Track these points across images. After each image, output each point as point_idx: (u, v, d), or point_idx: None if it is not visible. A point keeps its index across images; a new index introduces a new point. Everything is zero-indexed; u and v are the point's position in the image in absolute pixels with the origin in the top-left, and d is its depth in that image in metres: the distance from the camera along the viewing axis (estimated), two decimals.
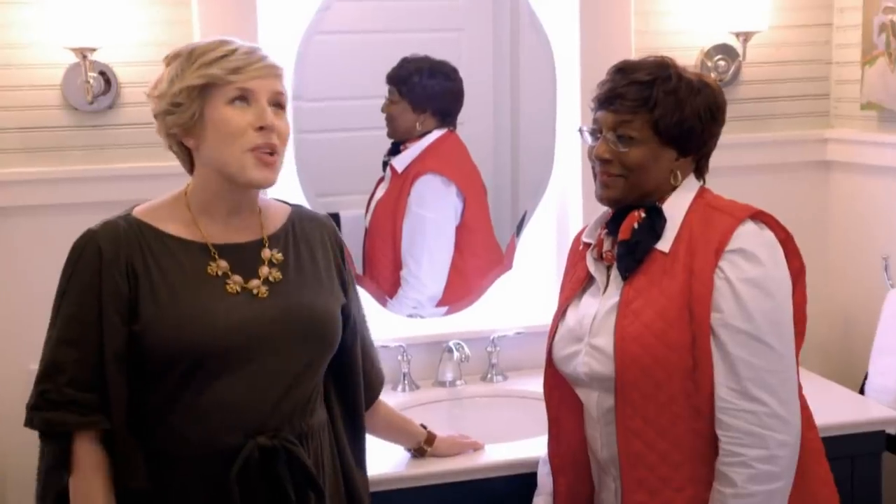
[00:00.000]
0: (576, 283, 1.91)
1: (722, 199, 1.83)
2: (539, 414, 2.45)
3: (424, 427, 2.11)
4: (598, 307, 1.82)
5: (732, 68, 2.69)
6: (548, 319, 2.73)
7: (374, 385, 1.95)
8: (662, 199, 1.81)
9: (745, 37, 2.64)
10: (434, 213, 2.57)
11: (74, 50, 2.29)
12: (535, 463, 2.12)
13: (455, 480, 2.09)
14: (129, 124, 2.40)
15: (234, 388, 1.65)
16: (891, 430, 2.31)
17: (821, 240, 2.82)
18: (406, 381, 2.57)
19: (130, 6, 2.36)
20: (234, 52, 1.65)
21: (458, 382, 2.59)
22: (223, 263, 1.69)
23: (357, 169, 2.63)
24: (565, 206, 2.78)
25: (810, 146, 2.79)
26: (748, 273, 1.69)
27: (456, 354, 2.55)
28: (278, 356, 1.68)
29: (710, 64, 2.68)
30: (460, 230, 2.61)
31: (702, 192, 1.83)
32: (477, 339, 2.62)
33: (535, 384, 2.56)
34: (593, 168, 1.84)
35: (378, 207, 2.59)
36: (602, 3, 2.63)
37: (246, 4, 2.41)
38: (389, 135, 2.56)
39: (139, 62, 2.36)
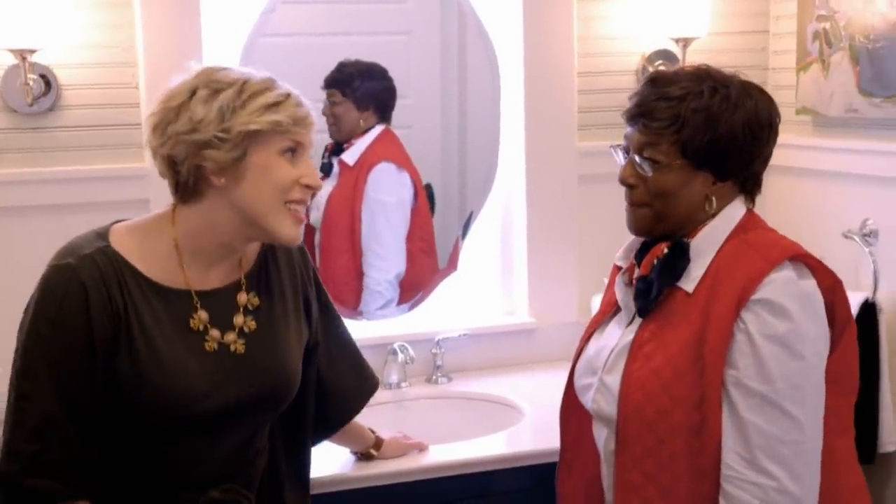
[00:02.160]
0: (606, 308, 1.75)
1: (766, 233, 1.61)
2: (483, 415, 2.47)
3: (373, 432, 2.10)
4: (618, 341, 1.65)
5: None
6: (492, 321, 2.78)
7: (340, 414, 1.91)
8: (696, 230, 1.60)
9: (685, 42, 2.67)
10: (392, 196, 2.65)
11: (14, 51, 2.24)
12: (478, 463, 2.13)
13: (400, 481, 2.09)
14: (69, 127, 2.36)
15: (197, 447, 1.59)
16: None
17: None
18: None
19: (72, 8, 2.31)
20: (289, 97, 1.55)
21: (403, 384, 2.59)
22: (203, 315, 1.59)
23: None
24: (509, 209, 2.79)
25: None
26: (773, 329, 1.48)
27: (400, 356, 2.55)
28: (242, 418, 1.63)
29: (650, 69, 2.71)
30: (413, 212, 2.68)
31: (745, 222, 1.61)
32: (421, 340, 2.62)
33: (479, 386, 2.59)
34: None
35: (332, 202, 2.63)
36: (545, 8, 2.64)
37: (190, 7, 2.38)
38: (333, 135, 2.61)
39: (80, 64, 2.32)
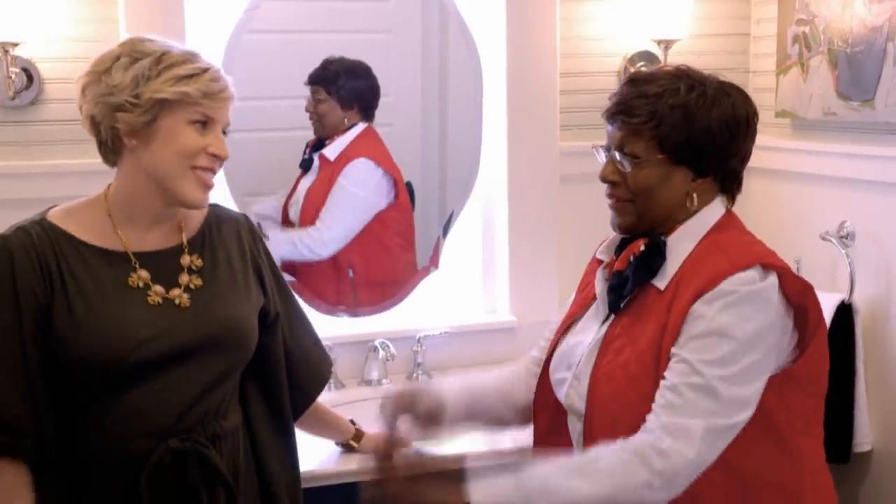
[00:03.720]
0: (583, 301, 1.74)
1: (741, 237, 1.62)
2: None
3: (353, 423, 2.11)
4: (593, 336, 1.66)
5: None
6: (473, 319, 2.78)
7: (311, 386, 1.91)
8: (674, 228, 1.61)
9: (667, 44, 2.68)
10: (359, 190, 2.64)
11: None
12: (458, 459, 2.13)
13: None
14: (52, 121, 2.35)
15: (148, 395, 1.62)
16: None
17: None
18: (332, 380, 2.55)
19: (55, 2, 2.30)
20: (205, 71, 1.62)
21: (384, 381, 2.59)
22: (144, 274, 1.65)
23: (285, 168, 2.63)
24: (491, 208, 2.79)
25: None
26: (716, 313, 1.50)
27: (381, 353, 2.55)
28: (194, 364, 1.65)
29: (632, 69, 2.72)
30: (393, 208, 2.68)
31: (722, 223, 1.62)
32: (403, 338, 2.62)
33: None
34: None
35: (310, 196, 2.64)
36: (528, 8, 2.65)
37: (173, 3, 2.37)
38: (317, 132, 2.62)
39: (63, 58, 2.30)
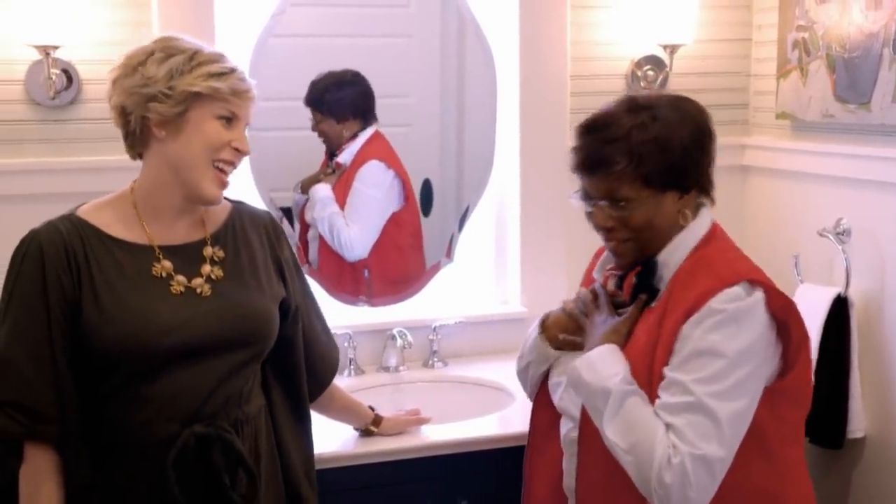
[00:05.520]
0: None
1: (727, 253, 1.62)
2: (476, 398, 2.50)
3: (372, 409, 2.13)
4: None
5: (660, 78, 2.75)
6: (486, 310, 2.80)
7: (323, 373, 1.94)
8: (665, 245, 1.61)
9: (672, 49, 2.70)
10: (374, 190, 2.65)
11: (38, 47, 2.27)
12: (473, 442, 2.16)
13: (398, 458, 2.12)
14: (90, 119, 2.38)
15: (174, 381, 1.63)
16: None
17: (738, 238, 2.79)
18: (352, 367, 2.58)
19: (93, 7, 2.34)
20: (233, 71, 1.67)
21: (402, 368, 2.61)
22: (167, 264, 1.67)
23: (310, 165, 2.65)
24: (504, 204, 2.82)
25: (730, 152, 2.85)
26: (706, 332, 1.50)
27: (399, 341, 2.57)
28: (217, 351, 1.67)
29: (639, 73, 2.74)
30: (404, 211, 2.68)
31: (709, 237, 1.62)
32: (419, 327, 2.64)
33: (473, 370, 2.61)
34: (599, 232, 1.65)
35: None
36: (540, 14, 2.67)
37: (204, 8, 2.41)
38: (328, 148, 2.63)
39: (100, 61, 2.33)
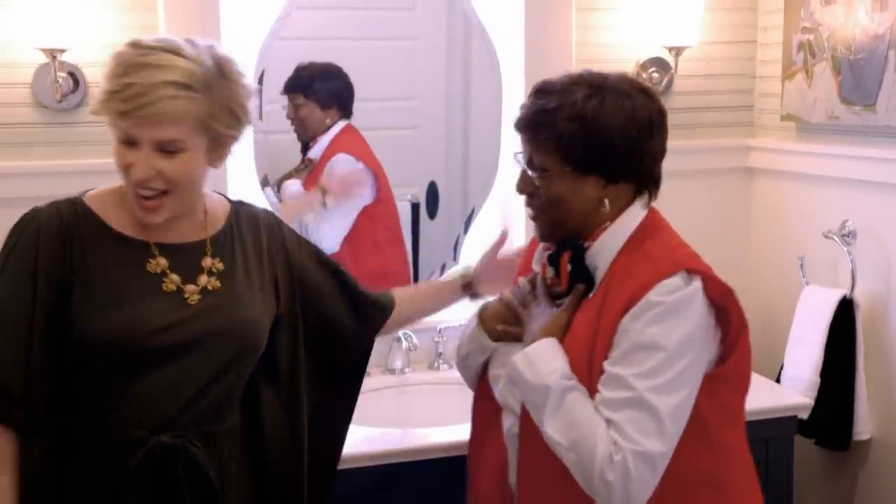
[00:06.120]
0: None
1: (665, 241, 1.59)
2: None
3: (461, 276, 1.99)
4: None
5: (665, 80, 2.73)
6: None
7: (381, 307, 1.88)
8: (595, 234, 1.58)
9: (677, 51, 2.68)
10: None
11: (45, 50, 2.26)
12: None
13: (402, 461, 2.10)
14: (96, 122, 2.33)
15: (149, 385, 1.56)
16: (803, 416, 2.36)
17: (744, 239, 2.87)
18: None
19: (99, 10, 2.33)
20: (127, 87, 1.49)
21: (407, 370, 2.60)
22: (163, 261, 1.60)
23: None
24: (509, 206, 2.80)
25: (735, 154, 2.84)
26: (646, 325, 1.48)
27: (405, 344, 2.56)
28: (198, 360, 1.59)
29: (644, 75, 2.72)
30: (378, 204, 2.66)
31: (646, 225, 1.59)
32: (425, 329, 2.61)
33: None
34: None
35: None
36: (546, 16, 2.65)
37: (210, 11, 2.39)
38: (300, 137, 2.61)
39: (106, 63, 2.33)
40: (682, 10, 2.65)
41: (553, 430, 1.50)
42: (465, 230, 2.74)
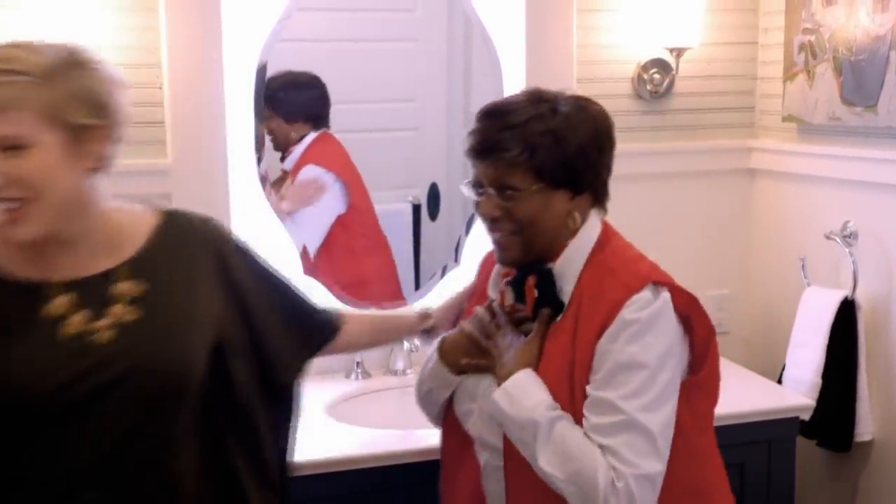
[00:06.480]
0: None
1: (624, 252, 1.59)
2: None
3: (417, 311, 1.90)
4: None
5: (666, 81, 2.72)
6: None
7: (323, 328, 1.73)
8: (558, 253, 1.56)
9: (678, 52, 2.67)
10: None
11: None
12: None
13: (397, 463, 2.09)
14: None
15: (55, 442, 1.37)
16: (804, 417, 2.36)
17: (745, 240, 2.86)
18: (359, 370, 2.56)
19: (101, 11, 2.32)
20: None
21: (409, 371, 2.59)
22: (61, 302, 1.39)
23: None
24: None
25: (736, 155, 2.83)
26: (626, 345, 1.48)
27: (406, 345, 2.54)
28: (116, 409, 1.39)
29: (645, 76, 2.71)
30: (350, 212, 2.62)
31: (602, 239, 1.58)
32: None
33: None
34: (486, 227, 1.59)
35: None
36: (547, 18, 2.64)
37: (211, 12, 2.38)
38: (275, 146, 2.56)
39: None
40: (684, 12, 2.64)
41: (546, 463, 1.49)
42: (467, 232, 2.72)
